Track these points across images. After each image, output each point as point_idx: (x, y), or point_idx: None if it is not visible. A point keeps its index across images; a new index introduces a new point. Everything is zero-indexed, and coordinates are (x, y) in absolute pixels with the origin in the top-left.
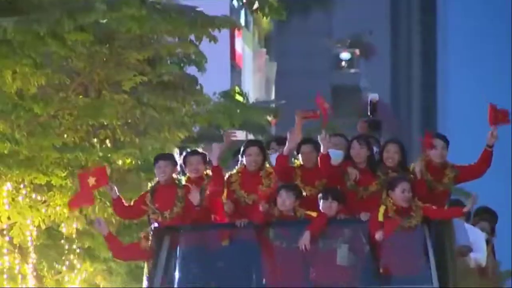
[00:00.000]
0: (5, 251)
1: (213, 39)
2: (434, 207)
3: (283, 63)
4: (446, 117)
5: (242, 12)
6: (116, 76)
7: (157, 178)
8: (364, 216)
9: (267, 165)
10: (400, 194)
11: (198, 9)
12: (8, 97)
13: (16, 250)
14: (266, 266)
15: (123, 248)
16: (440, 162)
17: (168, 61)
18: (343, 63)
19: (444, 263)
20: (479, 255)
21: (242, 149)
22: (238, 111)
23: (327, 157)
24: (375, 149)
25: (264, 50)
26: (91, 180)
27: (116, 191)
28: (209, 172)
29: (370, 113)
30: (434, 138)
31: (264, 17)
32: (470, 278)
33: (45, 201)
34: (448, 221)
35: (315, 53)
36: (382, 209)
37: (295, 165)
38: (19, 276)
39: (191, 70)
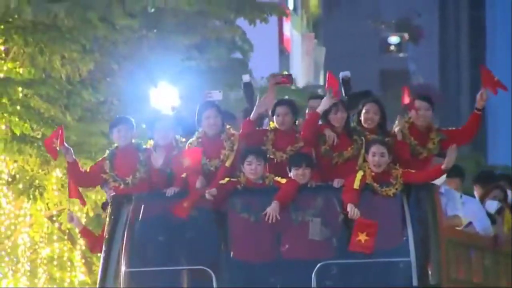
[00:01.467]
0: (54, 237)
1: (264, 20)
2: (413, 171)
3: (331, 47)
4: (495, 99)
5: None
6: (162, 59)
7: (115, 144)
8: (337, 183)
9: (228, 127)
10: (371, 157)
11: None
12: (58, 82)
13: (66, 237)
14: (233, 238)
15: (98, 241)
16: (424, 126)
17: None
18: (392, 47)
19: (425, 235)
20: (484, 225)
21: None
22: (286, 96)
23: (316, 117)
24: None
25: (313, 34)
26: (56, 142)
27: (72, 154)
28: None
29: (345, 93)
30: (416, 99)
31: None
32: (467, 249)
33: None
34: (430, 189)
35: (363, 37)
36: (359, 175)
37: (269, 127)
38: (68, 263)
39: (239, 55)
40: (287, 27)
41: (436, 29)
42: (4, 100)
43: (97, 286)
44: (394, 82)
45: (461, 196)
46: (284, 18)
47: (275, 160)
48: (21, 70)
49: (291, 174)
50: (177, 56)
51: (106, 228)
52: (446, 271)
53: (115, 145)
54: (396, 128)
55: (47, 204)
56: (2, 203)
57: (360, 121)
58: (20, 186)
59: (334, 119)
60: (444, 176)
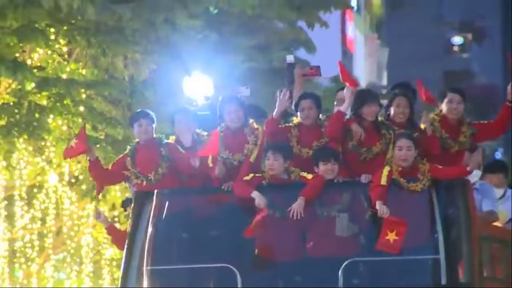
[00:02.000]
0: None
1: (324, 24)
2: (440, 167)
3: (394, 48)
4: None
5: None
6: (224, 60)
7: (136, 139)
8: (364, 178)
9: (251, 121)
10: (397, 152)
11: None
12: (120, 83)
13: None
14: (258, 235)
15: (124, 238)
16: (456, 119)
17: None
18: (455, 48)
19: (456, 231)
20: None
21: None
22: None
23: (342, 116)
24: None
25: (376, 35)
26: (76, 142)
27: (94, 153)
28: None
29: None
30: (448, 92)
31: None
32: (505, 246)
33: None
34: (461, 184)
35: (427, 38)
36: (386, 170)
37: (292, 123)
38: None
39: (302, 55)
40: (350, 28)
41: (499, 29)
42: (67, 101)
43: (119, 285)
44: (457, 82)
45: (505, 192)
46: (347, 18)
47: (303, 156)
48: (84, 71)
49: (317, 169)
50: (239, 57)
51: (128, 225)
52: (479, 269)
53: (136, 140)
54: (425, 122)
55: (112, 205)
56: (66, 204)
57: (388, 115)
58: (83, 187)
59: (368, 112)
60: (479, 171)
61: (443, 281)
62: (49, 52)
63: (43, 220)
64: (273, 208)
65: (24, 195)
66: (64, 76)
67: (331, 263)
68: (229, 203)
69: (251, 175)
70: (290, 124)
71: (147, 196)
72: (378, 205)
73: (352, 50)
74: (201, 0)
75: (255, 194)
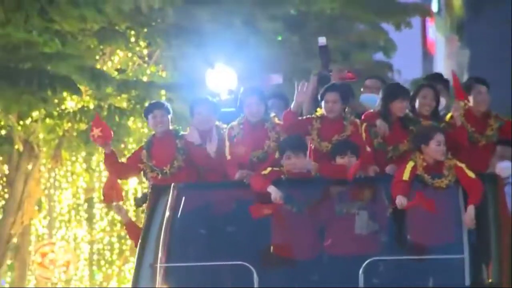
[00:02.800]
0: None
1: (408, 25)
2: (467, 170)
3: (475, 50)
4: None
5: None
6: (304, 63)
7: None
8: (390, 169)
9: (273, 115)
10: (436, 147)
11: None
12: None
13: None
14: (275, 232)
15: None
16: (482, 111)
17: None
18: None
19: (484, 230)
20: None
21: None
22: None
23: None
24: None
25: (456, 36)
26: (96, 132)
27: (110, 145)
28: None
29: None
30: (475, 83)
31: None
32: None
33: None
34: (490, 180)
35: (507, 39)
36: (409, 166)
37: (315, 115)
38: None
39: (382, 58)
40: (431, 30)
41: None
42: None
43: (131, 283)
44: None
45: None
46: (428, 20)
47: (323, 150)
48: (163, 74)
49: (335, 164)
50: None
51: (144, 220)
52: (509, 270)
53: (153, 133)
54: (455, 114)
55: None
56: None
57: (413, 107)
58: None
59: (398, 108)
60: (510, 163)
61: (467, 282)
62: (129, 54)
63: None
64: (291, 204)
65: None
66: (144, 78)
67: (351, 262)
68: (247, 198)
69: (269, 169)
70: (313, 116)
71: (162, 190)
72: (398, 198)
73: (433, 52)
74: (282, 2)
75: (271, 189)
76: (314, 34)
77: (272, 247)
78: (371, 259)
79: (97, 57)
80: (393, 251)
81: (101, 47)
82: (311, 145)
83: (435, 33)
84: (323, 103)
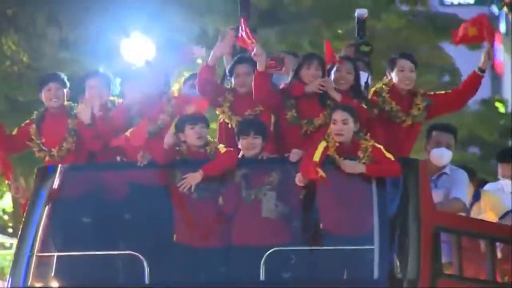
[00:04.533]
0: None
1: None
2: (385, 152)
3: None
4: None
5: (503, 19)
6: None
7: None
8: (294, 155)
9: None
10: (332, 126)
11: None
12: None
13: None
14: (174, 218)
15: None
16: (407, 89)
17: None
18: None
19: (400, 220)
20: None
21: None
22: (500, 120)
23: (264, 77)
24: (364, 76)
25: None
26: None
27: None
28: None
29: (357, 34)
30: (399, 58)
31: None
32: (476, 240)
33: None
34: (410, 164)
35: None
36: (321, 146)
37: (230, 86)
38: None
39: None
40: (499, 51)
41: None
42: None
43: (9, 271)
44: None
45: None
46: (496, 40)
47: (230, 125)
48: None
49: (239, 144)
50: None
51: (27, 204)
52: (432, 265)
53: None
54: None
55: None
56: None
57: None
58: None
59: (306, 75)
60: (450, 151)
61: (375, 275)
62: None
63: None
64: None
65: None
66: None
67: (253, 253)
68: (141, 181)
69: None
70: (227, 86)
71: (46, 172)
72: (297, 177)
73: (501, 72)
74: (346, 22)
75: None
76: (380, 55)
77: (168, 236)
78: (273, 250)
79: None
80: (298, 241)
81: None
82: (220, 119)
83: (503, 54)
84: (233, 78)
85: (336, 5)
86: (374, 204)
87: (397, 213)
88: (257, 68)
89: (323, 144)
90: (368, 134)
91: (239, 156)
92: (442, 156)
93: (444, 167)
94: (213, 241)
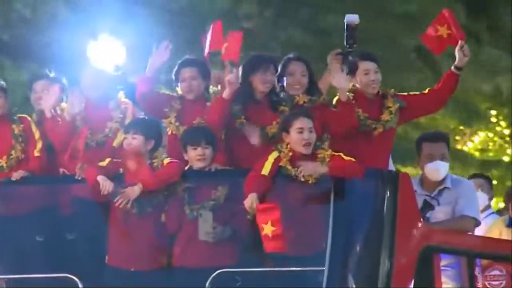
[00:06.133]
0: None
1: None
2: (345, 158)
3: None
4: None
5: None
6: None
7: None
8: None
9: (122, 94)
10: (296, 135)
11: None
12: None
13: None
14: (111, 237)
15: None
16: (375, 93)
17: None
18: None
19: (372, 241)
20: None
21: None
22: None
23: (225, 104)
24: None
25: None
26: None
27: None
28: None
29: (347, 42)
30: (361, 60)
31: None
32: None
33: None
34: (392, 177)
35: None
36: (272, 157)
37: (177, 93)
38: None
39: None
40: None
41: None
42: None
43: None
44: None
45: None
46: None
47: (179, 136)
48: None
49: (186, 156)
50: None
51: None
52: None
53: None
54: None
55: None
56: None
57: (283, 86)
58: None
59: (261, 80)
60: (446, 164)
61: None
62: (490, 134)
63: None
64: (131, 204)
65: None
66: (505, 158)
67: (197, 275)
68: (80, 197)
69: (108, 160)
70: (173, 94)
71: None
72: (249, 198)
73: None
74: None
75: (100, 178)
76: None
77: (107, 256)
78: (219, 272)
79: (457, 137)
80: (246, 262)
81: (461, 127)
82: (168, 130)
83: None
84: (179, 83)
85: None
86: (330, 221)
87: (364, 231)
88: (223, 94)
89: (274, 155)
90: (325, 142)
91: (186, 167)
92: (438, 169)
93: (443, 180)
94: (154, 263)
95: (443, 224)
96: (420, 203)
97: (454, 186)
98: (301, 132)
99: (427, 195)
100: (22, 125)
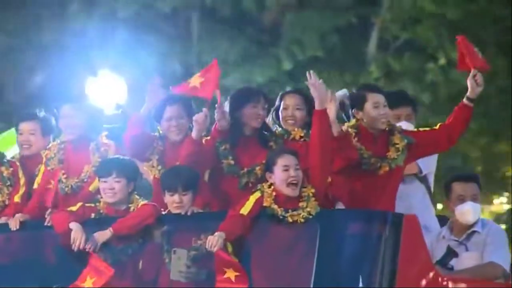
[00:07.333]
0: None
1: None
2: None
3: None
4: None
5: None
6: None
7: None
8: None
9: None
10: (282, 173)
11: None
12: None
13: None
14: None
15: None
16: (380, 129)
17: None
18: None
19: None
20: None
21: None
22: None
23: (197, 143)
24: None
25: None
26: None
27: None
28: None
29: (346, 116)
30: (369, 92)
31: None
32: None
33: None
34: (396, 220)
35: None
36: (253, 197)
37: (158, 132)
38: None
39: None
40: None
41: None
42: None
43: None
44: None
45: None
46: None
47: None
48: None
49: (165, 199)
50: None
51: None
52: None
53: None
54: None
55: None
56: None
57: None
58: None
59: (252, 114)
60: (478, 206)
61: None
62: None
63: None
64: (103, 252)
65: None
66: None
67: None
68: (49, 244)
69: (79, 204)
70: (155, 134)
71: None
72: (216, 234)
73: None
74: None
75: (73, 225)
76: None
77: None
78: None
79: None
80: None
81: None
82: (151, 174)
83: None
84: (163, 122)
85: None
86: (314, 265)
87: (352, 278)
88: (192, 134)
89: (255, 195)
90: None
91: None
92: (469, 212)
93: (473, 224)
94: None
95: (467, 272)
96: (443, 249)
97: (484, 230)
98: (286, 170)
99: (455, 240)
100: (11, 169)
